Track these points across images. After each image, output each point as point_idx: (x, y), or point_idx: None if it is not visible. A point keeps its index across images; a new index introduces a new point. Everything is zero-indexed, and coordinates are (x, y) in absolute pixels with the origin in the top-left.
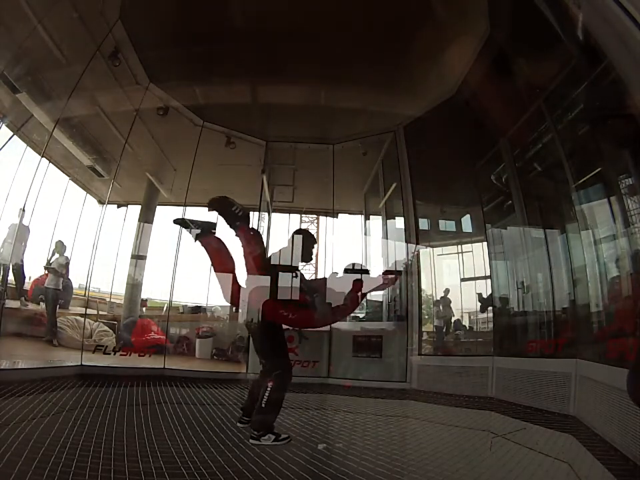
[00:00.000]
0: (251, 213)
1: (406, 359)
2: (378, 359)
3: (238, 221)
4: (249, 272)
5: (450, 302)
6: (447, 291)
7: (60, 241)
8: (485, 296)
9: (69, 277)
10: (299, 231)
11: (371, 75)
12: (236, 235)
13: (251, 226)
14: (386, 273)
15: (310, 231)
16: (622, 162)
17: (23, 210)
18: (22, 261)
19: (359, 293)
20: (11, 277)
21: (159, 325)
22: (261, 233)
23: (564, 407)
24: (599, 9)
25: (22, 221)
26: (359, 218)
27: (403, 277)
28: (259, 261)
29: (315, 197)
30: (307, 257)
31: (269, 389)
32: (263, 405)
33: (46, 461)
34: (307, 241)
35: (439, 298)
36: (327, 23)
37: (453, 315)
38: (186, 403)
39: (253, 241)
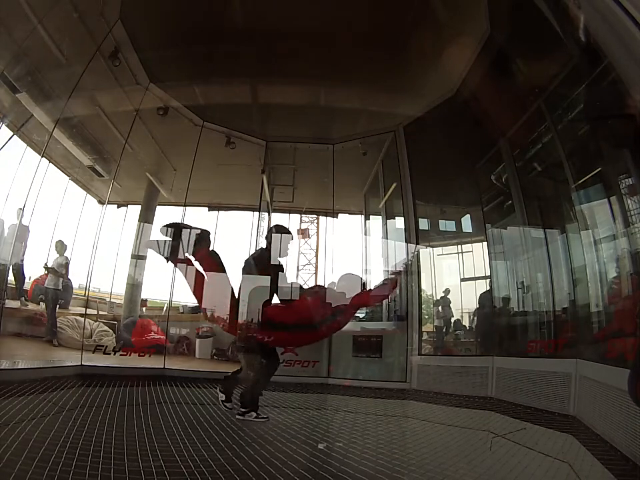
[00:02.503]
0: (251, 213)
1: (406, 359)
2: (378, 358)
3: (197, 245)
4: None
5: (450, 302)
6: (446, 291)
7: (60, 240)
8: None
9: (69, 277)
10: (276, 228)
11: (371, 74)
12: (195, 260)
13: (211, 248)
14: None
15: (284, 226)
16: (622, 162)
17: (23, 210)
18: (22, 260)
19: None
20: (10, 277)
21: (158, 324)
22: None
23: (564, 407)
24: (599, 9)
25: (22, 220)
26: (359, 218)
27: (403, 277)
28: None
29: (315, 197)
30: (283, 253)
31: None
32: None
33: (46, 460)
34: (284, 237)
35: (438, 298)
36: (327, 23)
37: (453, 315)
38: (186, 402)
39: (214, 266)
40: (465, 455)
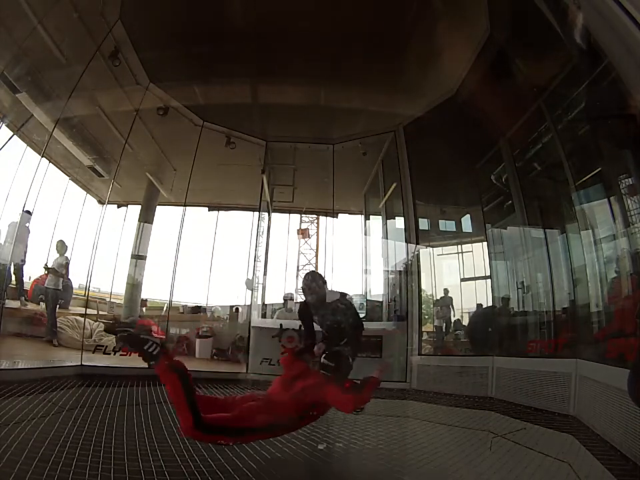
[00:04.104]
0: (251, 213)
1: (406, 359)
2: (378, 359)
3: (153, 360)
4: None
5: (450, 302)
6: (446, 291)
7: (61, 240)
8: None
9: (69, 277)
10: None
11: (371, 75)
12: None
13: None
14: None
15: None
16: (622, 162)
17: (29, 213)
18: (22, 260)
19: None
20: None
21: (158, 324)
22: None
23: (564, 407)
24: (599, 9)
25: (23, 221)
26: (359, 218)
27: (403, 277)
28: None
29: (315, 197)
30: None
31: None
32: None
33: (46, 460)
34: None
35: (438, 298)
36: (327, 23)
37: (453, 315)
38: None
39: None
40: (465, 454)
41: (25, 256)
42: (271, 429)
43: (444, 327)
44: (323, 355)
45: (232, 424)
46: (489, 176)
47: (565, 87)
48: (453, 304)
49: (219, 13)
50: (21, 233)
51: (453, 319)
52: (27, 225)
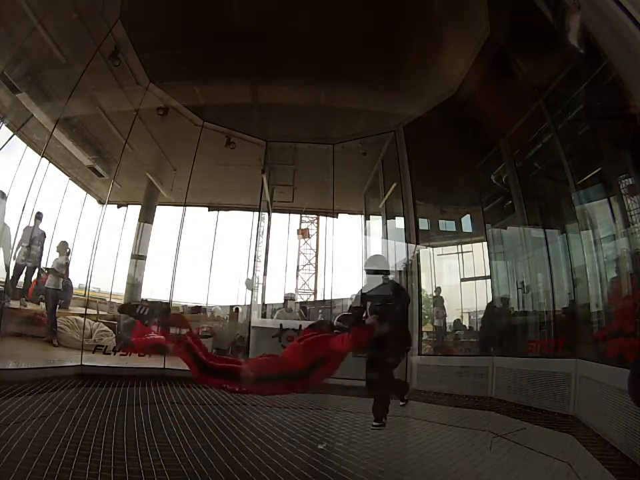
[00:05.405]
0: (251, 214)
1: (406, 359)
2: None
3: (147, 320)
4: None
5: (441, 302)
6: (438, 290)
7: (63, 241)
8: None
9: (69, 277)
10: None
11: (371, 74)
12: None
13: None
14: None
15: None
16: (622, 162)
17: (38, 218)
18: (22, 261)
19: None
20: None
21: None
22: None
23: (564, 407)
24: (599, 9)
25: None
26: (359, 218)
27: (403, 277)
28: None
29: (315, 197)
30: None
31: None
32: None
33: (46, 460)
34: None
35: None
36: (327, 23)
37: (446, 315)
38: (186, 403)
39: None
40: (465, 455)
41: (24, 256)
42: (275, 379)
43: (442, 327)
44: (337, 317)
45: (237, 370)
46: (488, 176)
47: (564, 87)
48: (444, 304)
49: (218, 12)
50: (24, 234)
51: (447, 319)
52: (40, 227)
